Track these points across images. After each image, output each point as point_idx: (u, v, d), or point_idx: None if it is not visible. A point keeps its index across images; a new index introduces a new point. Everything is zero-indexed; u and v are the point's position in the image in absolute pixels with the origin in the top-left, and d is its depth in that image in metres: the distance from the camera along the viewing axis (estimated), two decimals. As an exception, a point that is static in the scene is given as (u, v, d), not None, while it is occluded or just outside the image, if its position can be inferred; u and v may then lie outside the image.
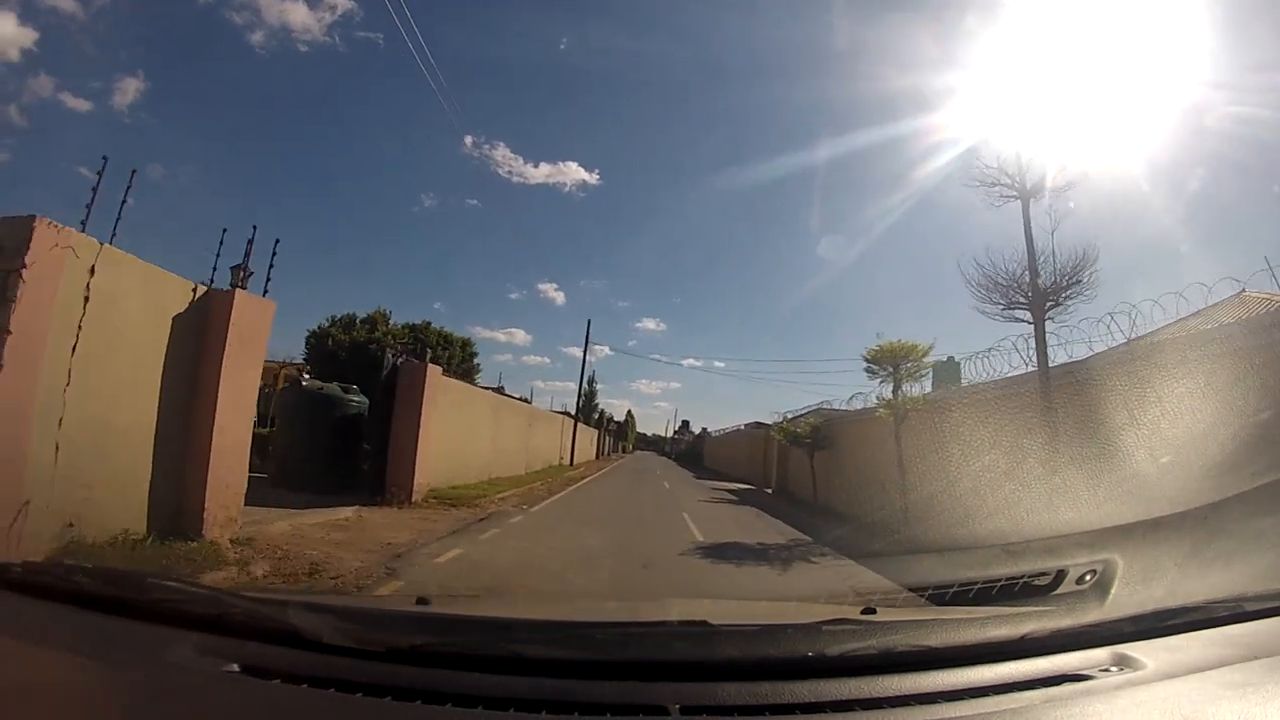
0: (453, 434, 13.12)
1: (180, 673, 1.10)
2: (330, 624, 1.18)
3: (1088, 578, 2.16)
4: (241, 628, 1.21)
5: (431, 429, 11.35)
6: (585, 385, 57.72)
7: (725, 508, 16.05)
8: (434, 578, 5.79)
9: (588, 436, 44.41)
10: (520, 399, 30.32)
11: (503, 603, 2.83)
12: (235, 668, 1.10)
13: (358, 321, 22.39)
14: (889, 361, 12.12)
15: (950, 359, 14.37)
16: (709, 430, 64.56)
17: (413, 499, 10.42)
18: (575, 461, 31.72)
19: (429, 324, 25.98)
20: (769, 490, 24.26)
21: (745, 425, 41.42)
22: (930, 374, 12.81)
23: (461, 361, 28.46)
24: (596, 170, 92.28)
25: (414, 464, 10.73)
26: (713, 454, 52.63)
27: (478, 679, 1.08)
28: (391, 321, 22.04)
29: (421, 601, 1.78)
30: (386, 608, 1.85)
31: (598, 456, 48.08)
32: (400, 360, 11.65)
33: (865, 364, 12.55)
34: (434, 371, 11.77)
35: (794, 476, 20.84)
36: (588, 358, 35.01)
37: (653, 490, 20.33)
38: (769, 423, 34.14)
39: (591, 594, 5.66)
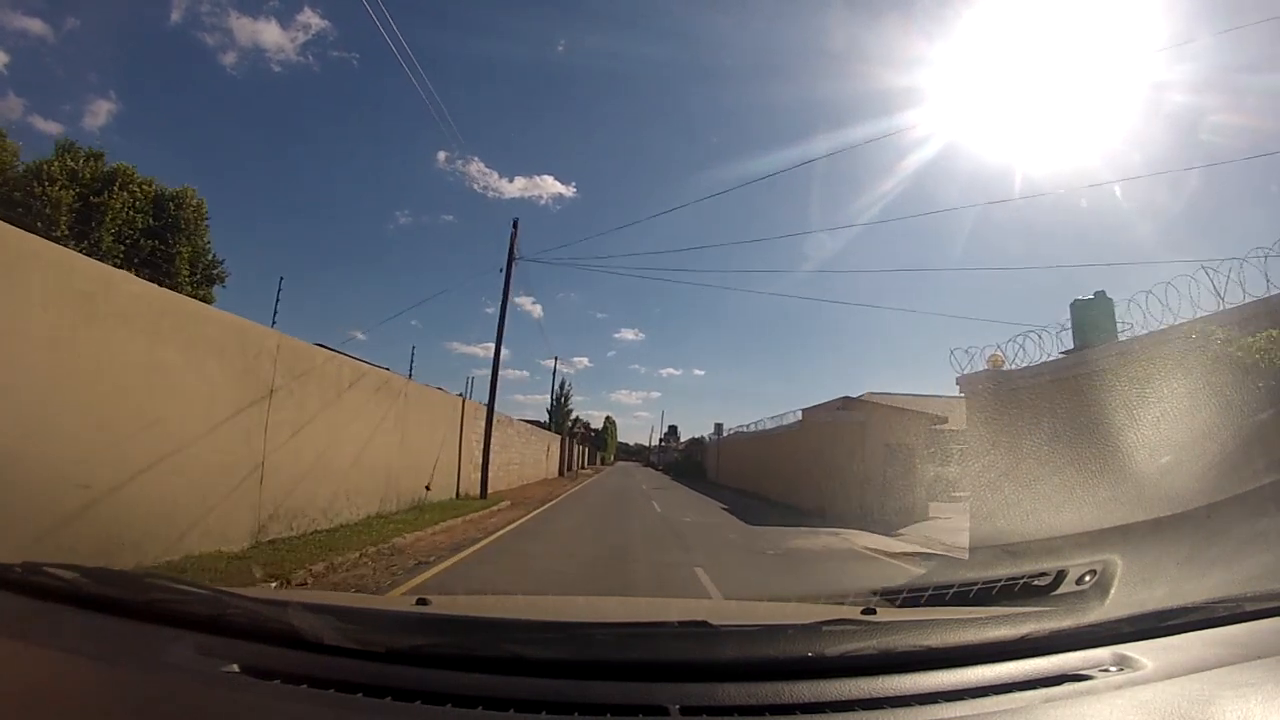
0: None
1: (180, 673, 1.10)
2: (330, 624, 1.17)
3: (1087, 578, 2.15)
4: (241, 628, 1.21)
5: None
6: (557, 391, 47.67)
7: None
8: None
9: (541, 445, 29.16)
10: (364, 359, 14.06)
11: (503, 604, 2.82)
12: (235, 668, 1.10)
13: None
14: None
15: (1101, 293, 9.58)
16: (724, 427, 43.84)
17: None
18: (497, 489, 17.60)
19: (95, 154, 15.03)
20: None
21: (813, 407, 21.56)
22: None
23: (143, 238, 13.95)
24: (573, 183, 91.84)
25: None
26: (730, 464, 35.59)
27: (478, 679, 1.08)
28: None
29: (422, 602, 1.78)
30: (386, 608, 1.85)
31: (562, 472, 34.96)
32: None
33: None
34: None
35: None
36: (511, 300, 18.38)
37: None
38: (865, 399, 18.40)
39: (592, 594, 5.68)
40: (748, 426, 34.83)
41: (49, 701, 1.01)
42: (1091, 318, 9.50)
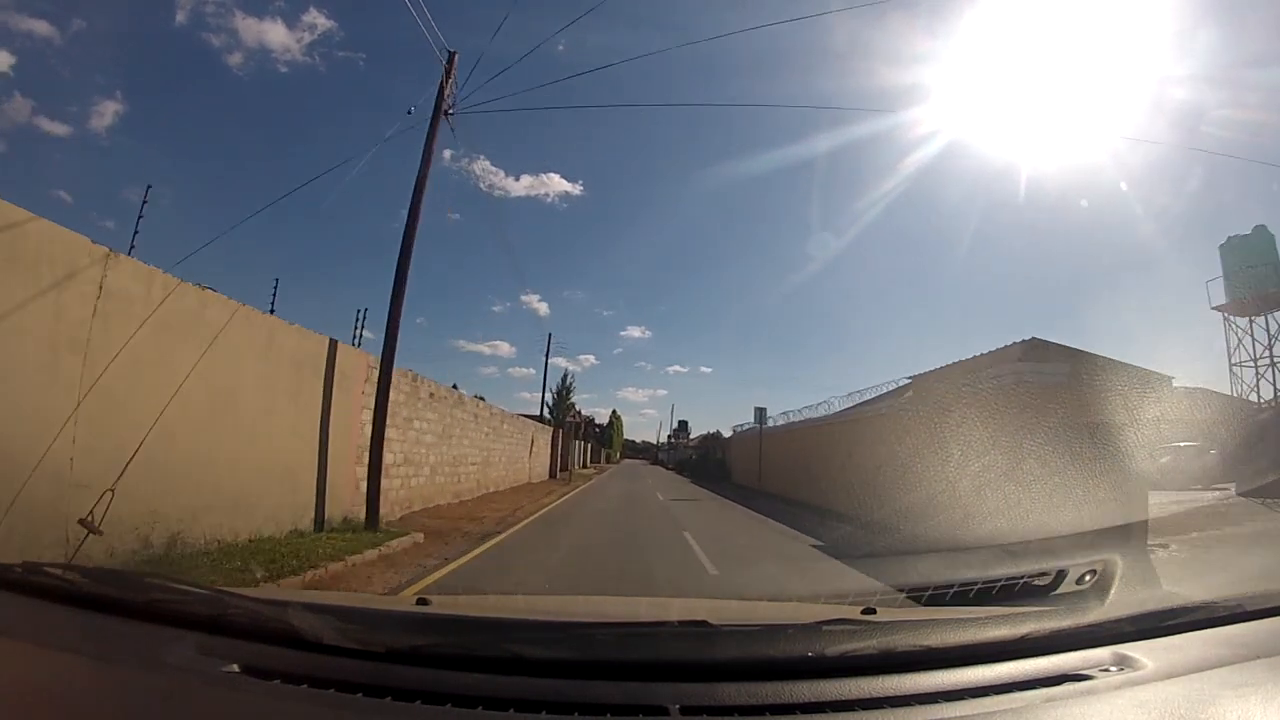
0: None
1: (180, 673, 1.10)
2: (330, 624, 1.18)
3: (1087, 578, 2.15)
4: (242, 628, 1.21)
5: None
6: (557, 383, 42.66)
7: None
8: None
9: (522, 439, 22.89)
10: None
11: (504, 604, 2.82)
12: (235, 668, 1.10)
13: None
14: None
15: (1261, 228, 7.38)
16: (769, 414, 28.37)
17: None
18: (434, 502, 12.54)
19: None
20: None
21: (950, 365, 12.06)
22: None
23: None
24: (579, 181, 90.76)
25: None
26: (777, 464, 23.96)
27: (478, 679, 1.08)
28: None
29: (422, 602, 1.78)
30: (387, 608, 1.85)
31: (555, 473, 30.30)
32: None
33: None
34: None
35: None
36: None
37: None
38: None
39: (592, 595, 5.69)
40: (799, 412, 23.70)
41: (49, 701, 1.01)
42: (1250, 254, 6.99)
